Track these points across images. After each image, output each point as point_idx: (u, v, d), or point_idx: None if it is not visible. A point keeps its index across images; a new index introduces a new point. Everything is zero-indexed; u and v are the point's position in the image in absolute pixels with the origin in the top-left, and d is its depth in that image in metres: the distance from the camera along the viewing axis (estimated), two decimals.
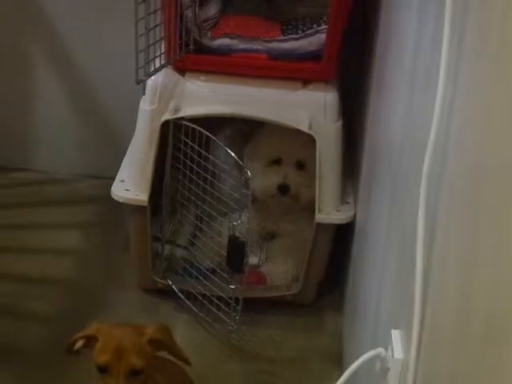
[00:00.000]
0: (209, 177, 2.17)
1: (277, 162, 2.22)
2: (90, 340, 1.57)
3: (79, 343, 1.59)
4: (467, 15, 0.99)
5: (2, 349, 2.13)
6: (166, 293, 2.30)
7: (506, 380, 0.73)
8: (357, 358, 1.38)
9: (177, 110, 2.12)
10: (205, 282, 2.22)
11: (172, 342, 1.64)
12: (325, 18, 2.09)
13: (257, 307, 2.22)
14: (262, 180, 2.21)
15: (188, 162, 2.16)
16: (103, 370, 1.53)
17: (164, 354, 1.63)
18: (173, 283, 2.27)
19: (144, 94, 2.14)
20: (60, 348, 2.09)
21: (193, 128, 2.12)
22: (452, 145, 1.02)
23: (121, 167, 2.27)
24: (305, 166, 2.20)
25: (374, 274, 1.75)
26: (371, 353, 1.37)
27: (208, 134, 2.11)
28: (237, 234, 2.14)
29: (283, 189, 2.22)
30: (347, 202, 2.20)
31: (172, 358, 1.70)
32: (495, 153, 0.84)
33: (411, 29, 1.50)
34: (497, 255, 0.80)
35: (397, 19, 1.75)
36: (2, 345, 2.14)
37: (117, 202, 2.20)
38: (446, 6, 1.01)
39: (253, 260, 2.29)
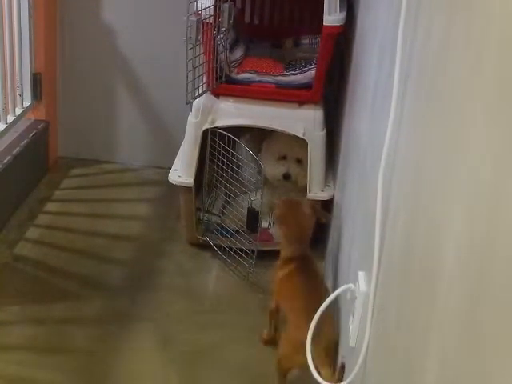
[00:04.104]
0: (234, 167, 2.18)
1: (283, 157, 2.22)
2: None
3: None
4: (411, 64, 1.00)
5: (93, 283, 2.13)
6: (205, 246, 2.28)
7: (435, 305, 0.74)
8: (335, 290, 1.40)
9: (213, 122, 2.12)
10: (231, 238, 2.22)
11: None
12: (314, 61, 2.09)
13: (266, 256, 2.19)
14: (273, 169, 2.20)
15: (220, 157, 2.17)
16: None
17: None
18: (209, 239, 2.27)
19: (191, 110, 2.14)
20: (136, 283, 2.12)
21: (224, 134, 2.13)
22: (399, 147, 1.03)
23: (175, 160, 2.27)
24: (302, 161, 2.20)
25: (347, 234, 1.75)
26: (344, 287, 1.38)
27: (234, 138, 2.12)
28: (253, 206, 2.16)
29: (286, 176, 2.21)
30: (328, 185, 2.19)
31: None
32: (426, 156, 0.85)
33: (373, 68, 1.50)
34: (428, 223, 0.82)
35: (363, 61, 1.75)
36: (93, 280, 2.14)
37: (172, 184, 2.20)
38: (396, 57, 1.02)
39: (264, 224, 2.28)
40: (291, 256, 1.79)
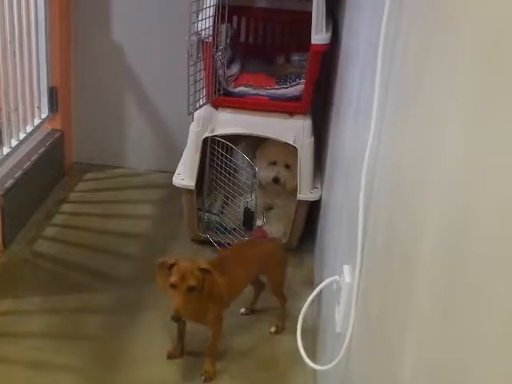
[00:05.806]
0: (232, 171, 2.18)
1: (274, 163, 2.22)
2: (170, 266, 1.56)
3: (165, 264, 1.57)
4: (390, 77, 1.00)
5: (105, 276, 2.12)
6: (205, 242, 2.28)
7: (413, 295, 0.74)
8: (322, 281, 1.39)
9: (212, 131, 2.12)
10: (229, 235, 2.22)
11: (215, 270, 1.63)
12: (303, 75, 2.09)
13: None
14: (264, 174, 2.20)
15: (219, 162, 2.17)
16: (173, 286, 1.54)
17: None
18: (210, 236, 2.27)
19: (193, 120, 2.14)
20: (143, 276, 2.11)
21: (222, 141, 2.13)
22: (379, 152, 1.03)
23: (178, 165, 2.27)
24: (290, 166, 2.20)
25: (333, 231, 1.75)
26: (331, 278, 1.38)
27: (231, 145, 2.12)
28: (249, 207, 2.16)
29: (276, 180, 2.21)
30: (316, 187, 2.20)
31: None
32: (404, 158, 0.85)
33: (356, 81, 1.50)
34: (406, 222, 0.81)
35: (347, 75, 1.75)
36: (104, 274, 2.14)
37: (175, 186, 2.20)
38: (376, 71, 1.02)
39: (258, 222, 2.27)
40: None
